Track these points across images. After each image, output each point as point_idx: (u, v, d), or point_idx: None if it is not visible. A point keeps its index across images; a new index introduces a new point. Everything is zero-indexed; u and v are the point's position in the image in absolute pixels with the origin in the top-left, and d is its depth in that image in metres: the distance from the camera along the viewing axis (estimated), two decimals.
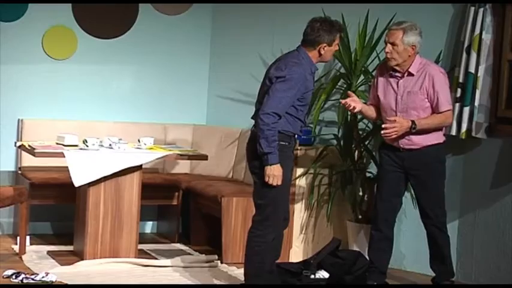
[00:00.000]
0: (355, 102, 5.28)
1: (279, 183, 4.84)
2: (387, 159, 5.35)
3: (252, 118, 4.94)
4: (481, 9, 5.62)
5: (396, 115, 5.22)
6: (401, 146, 5.25)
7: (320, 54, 4.94)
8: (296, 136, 5.05)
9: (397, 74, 5.26)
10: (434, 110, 5.22)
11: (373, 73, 6.13)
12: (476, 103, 5.64)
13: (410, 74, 5.22)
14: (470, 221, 5.85)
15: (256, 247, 4.93)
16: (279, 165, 4.82)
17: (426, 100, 5.20)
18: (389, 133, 5.17)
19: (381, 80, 5.35)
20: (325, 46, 4.91)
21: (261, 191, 4.92)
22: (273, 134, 4.78)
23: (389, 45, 5.18)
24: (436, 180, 5.31)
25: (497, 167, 5.70)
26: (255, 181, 4.96)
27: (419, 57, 5.26)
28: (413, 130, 5.16)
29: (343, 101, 5.31)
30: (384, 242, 5.42)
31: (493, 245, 5.69)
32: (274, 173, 4.82)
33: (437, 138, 5.28)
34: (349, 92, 5.42)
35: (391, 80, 5.29)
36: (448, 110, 5.24)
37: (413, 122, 5.15)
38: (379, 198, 5.43)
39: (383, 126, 5.21)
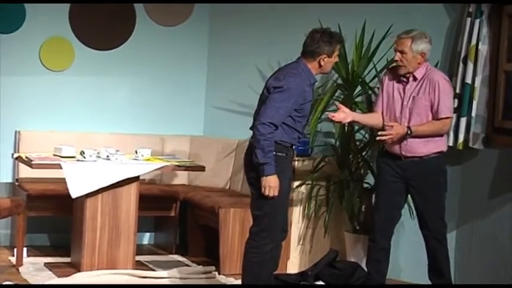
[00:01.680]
0: (344, 114, 5.26)
1: (276, 194, 4.82)
2: (387, 169, 5.33)
3: (250, 129, 4.94)
4: (478, 20, 5.64)
5: (401, 120, 5.22)
6: (403, 153, 5.23)
7: (320, 66, 4.92)
8: (294, 147, 5.04)
9: (404, 79, 5.26)
10: (434, 116, 5.21)
11: (370, 84, 6.16)
12: (473, 113, 5.65)
13: (415, 79, 5.23)
14: (468, 231, 5.84)
15: (253, 258, 4.92)
16: (275, 176, 4.81)
17: (430, 106, 5.20)
18: (384, 139, 5.17)
19: (387, 85, 5.34)
20: (325, 57, 4.90)
21: (258, 202, 4.90)
22: (268, 145, 4.77)
23: (398, 53, 5.19)
24: (437, 190, 5.29)
25: (495, 177, 5.70)
26: (252, 192, 4.95)
27: (425, 63, 5.27)
28: (409, 136, 5.16)
29: (330, 115, 5.28)
30: (381, 253, 5.40)
31: (491, 255, 5.69)
32: (270, 184, 4.80)
33: (438, 146, 5.26)
34: (338, 104, 5.38)
35: (398, 85, 5.29)
36: (447, 118, 5.23)
37: (409, 128, 5.16)
38: (377, 209, 5.42)
39: (379, 133, 5.20)
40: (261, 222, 4.90)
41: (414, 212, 5.77)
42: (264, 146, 4.75)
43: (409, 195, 5.42)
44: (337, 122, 5.32)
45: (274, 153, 4.82)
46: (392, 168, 5.29)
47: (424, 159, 5.21)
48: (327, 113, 5.42)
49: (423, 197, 5.28)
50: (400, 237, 6.05)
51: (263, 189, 4.81)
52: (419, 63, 5.19)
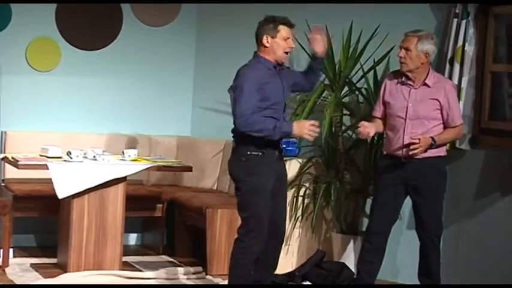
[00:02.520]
0: (368, 128, 5.22)
1: (312, 130, 4.80)
2: (386, 171, 5.31)
3: (231, 132, 4.95)
4: (464, 21, 5.66)
5: (405, 122, 5.23)
6: (404, 154, 5.22)
7: (266, 47, 4.89)
8: (280, 145, 5.02)
9: (409, 81, 5.26)
10: (447, 124, 5.23)
11: (357, 84, 6.17)
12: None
13: (427, 86, 5.24)
14: (455, 231, 5.86)
15: (240, 260, 4.89)
16: (295, 124, 4.82)
17: (438, 111, 5.21)
18: (417, 152, 5.14)
19: (390, 87, 5.33)
20: (267, 37, 4.89)
21: (242, 204, 4.91)
22: (258, 122, 4.75)
23: (403, 50, 5.21)
24: (437, 191, 5.29)
25: (481, 177, 5.72)
26: (236, 194, 4.95)
27: (433, 71, 5.30)
28: (434, 146, 5.17)
29: (362, 134, 5.22)
30: (374, 253, 5.39)
31: (478, 255, 5.71)
32: (300, 133, 4.81)
33: (438, 151, 5.25)
34: (361, 123, 5.28)
35: (402, 87, 5.28)
36: (461, 124, 5.30)
37: (432, 138, 5.17)
38: (375, 210, 5.40)
39: (412, 147, 5.15)
40: (248, 223, 4.89)
41: (403, 213, 5.80)
42: (257, 126, 4.76)
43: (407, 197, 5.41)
44: (368, 136, 5.27)
45: (249, 152, 4.83)
46: (392, 170, 5.28)
47: (425, 161, 5.21)
48: (357, 130, 5.28)
49: (423, 198, 5.27)
50: (398, 239, 6.05)
51: (303, 138, 4.82)
52: (422, 63, 5.20)
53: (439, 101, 5.20)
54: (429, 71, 5.26)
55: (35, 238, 6.82)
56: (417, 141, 5.12)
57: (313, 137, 4.86)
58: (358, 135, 5.34)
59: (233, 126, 4.89)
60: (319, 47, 5.06)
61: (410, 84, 5.26)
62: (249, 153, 4.83)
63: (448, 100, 5.22)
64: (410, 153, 5.15)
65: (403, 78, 5.27)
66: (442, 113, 5.23)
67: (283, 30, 4.91)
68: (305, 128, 4.82)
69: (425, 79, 5.23)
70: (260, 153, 4.85)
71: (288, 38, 4.91)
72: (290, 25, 4.95)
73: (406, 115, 5.23)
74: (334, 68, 6.15)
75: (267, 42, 4.89)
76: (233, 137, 4.95)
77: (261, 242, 4.90)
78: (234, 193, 4.97)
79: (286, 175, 5.10)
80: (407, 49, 5.20)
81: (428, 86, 5.23)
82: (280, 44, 4.90)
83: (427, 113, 5.21)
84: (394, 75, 5.38)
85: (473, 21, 5.67)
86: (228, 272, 5.00)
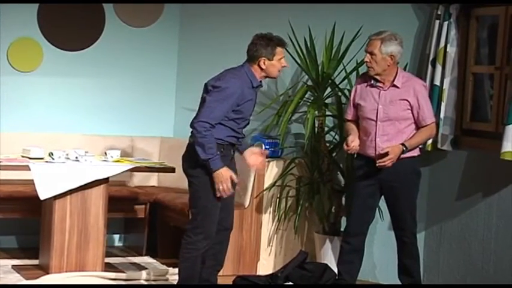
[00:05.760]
0: (354, 142, 5.24)
1: (228, 186, 4.87)
2: (361, 172, 5.34)
3: (190, 126, 4.97)
4: (446, 23, 5.69)
5: (376, 124, 5.24)
6: (377, 160, 5.22)
7: (262, 69, 4.97)
8: (236, 146, 5.06)
9: (379, 84, 5.27)
10: (419, 123, 5.24)
11: (340, 85, 6.18)
12: (442, 115, 5.69)
13: (396, 87, 5.25)
14: (436, 232, 5.89)
15: (186, 254, 4.98)
16: (224, 168, 4.86)
17: (409, 111, 5.23)
18: (385, 165, 5.15)
19: (360, 89, 5.35)
20: (264, 60, 4.95)
21: (193, 199, 5.00)
22: (207, 141, 4.83)
23: (368, 54, 5.21)
24: (411, 191, 5.32)
25: (463, 178, 5.75)
26: (189, 190, 5.03)
27: (401, 71, 5.30)
28: (406, 151, 5.17)
29: (353, 150, 5.24)
30: (353, 254, 5.42)
31: (459, 256, 5.73)
32: (220, 179, 4.86)
33: (412, 152, 5.28)
34: (349, 147, 5.27)
35: (372, 89, 5.30)
36: (433, 123, 5.30)
37: (403, 145, 5.17)
38: (351, 211, 5.42)
39: (379, 161, 5.15)
40: (196, 219, 4.98)
41: (384, 214, 5.83)
42: (204, 143, 4.83)
43: (382, 196, 5.43)
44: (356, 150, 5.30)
45: None
46: (367, 171, 5.29)
47: (399, 162, 5.21)
48: (349, 151, 5.30)
49: (398, 198, 5.29)
50: (379, 240, 6.06)
51: (216, 185, 4.85)
52: (388, 66, 5.21)
53: (408, 101, 5.22)
54: (397, 71, 5.27)
55: (16, 239, 6.78)
56: (387, 150, 5.12)
57: (224, 192, 4.87)
58: (347, 152, 5.35)
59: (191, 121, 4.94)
60: (252, 161, 5.13)
61: (379, 86, 5.28)
62: (214, 149, 4.87)
63: (418, 100, 5.23)
64: (378, 165, 5.14)
65: (372, 81, 5.29)
66: (412, 113, 5.24)
67: (279, 52, 4.97)
68: (225, 181, 4.85)
69: (393, 80, 5.25)
70: (219, 153, 4.91)
71: (282, 57, 4.99)
72: (285, 45, 5.04)
73: (376, 117, 5.25)
74: (317, 69, 6.16)
75: (264, 64, 4.95)
76: (191, 132, 4.97)
77: (208, 237, 4.97)
78: (188, 188, 5.05)
79: (236, 173, 5.11)
80: (371, 53, 5.20)
81: (397, 87, 5.24)
82: (275, 65, 4.98)
83: (398, 114, 5.22)
84: (364, 77, 5.39)
85: (455, 23, 5.69)
86: (178, 269, 5.07)
